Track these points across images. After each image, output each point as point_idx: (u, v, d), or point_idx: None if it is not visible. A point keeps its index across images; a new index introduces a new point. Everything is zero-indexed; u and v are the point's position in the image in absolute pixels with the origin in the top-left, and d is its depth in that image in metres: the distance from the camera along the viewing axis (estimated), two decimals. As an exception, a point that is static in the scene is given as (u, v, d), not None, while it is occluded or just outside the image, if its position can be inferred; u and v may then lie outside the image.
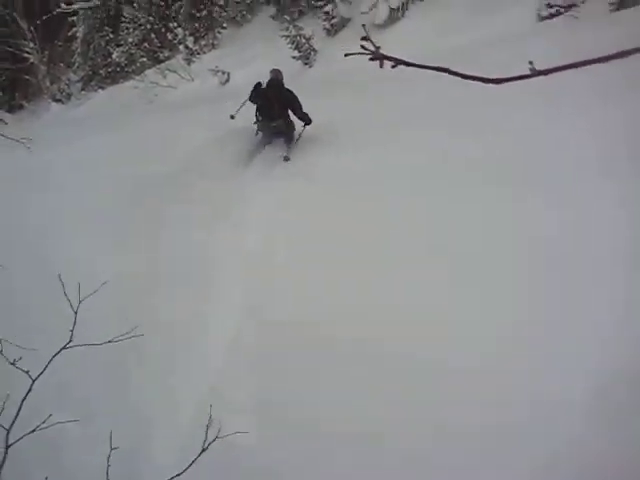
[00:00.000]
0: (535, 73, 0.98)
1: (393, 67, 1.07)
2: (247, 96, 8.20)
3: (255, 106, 8.18)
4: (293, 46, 12.19)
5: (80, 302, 3.56)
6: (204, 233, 6.63)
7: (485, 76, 1.02)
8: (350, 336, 4.58)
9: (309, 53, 12.32)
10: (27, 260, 6.99)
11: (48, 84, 22.81)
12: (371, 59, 1.06)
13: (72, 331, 3.34)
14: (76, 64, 22.59)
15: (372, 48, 1.07)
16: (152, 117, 12.34)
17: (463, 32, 9.74)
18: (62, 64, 24.11)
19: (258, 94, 8.09)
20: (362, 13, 12.37)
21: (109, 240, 6.99)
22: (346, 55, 1.22)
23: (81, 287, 3.63)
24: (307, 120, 7.82)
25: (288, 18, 13.19)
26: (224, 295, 5.79)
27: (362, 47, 1.08)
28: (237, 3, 16.27)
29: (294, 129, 8.12)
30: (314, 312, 5.04)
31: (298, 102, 7.80)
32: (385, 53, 1.03)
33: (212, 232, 6.62)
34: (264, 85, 8.10)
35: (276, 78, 8.14)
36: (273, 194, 7.00)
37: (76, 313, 3.45)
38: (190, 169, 7.88)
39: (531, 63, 0.99)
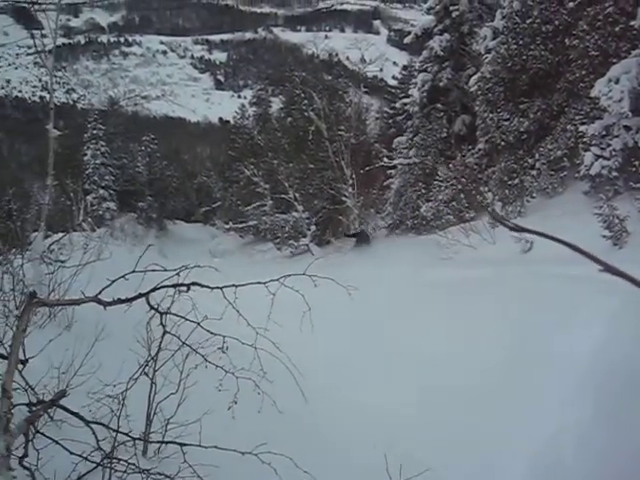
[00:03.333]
0: None
1: None
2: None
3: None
4: (604, 225, 11.92)
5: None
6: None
7: None
8: None
9: (620, 234, 11.90)
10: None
11: (357, 225, 25.38)
12: None
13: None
14: (386, 212, 24.96)
15: None
16: (448, 271, 13.04)
17: None
18: (372, 210, 26.84)
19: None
20: (686, 199, 11.71)
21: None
22: None
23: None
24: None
25: (603, 197, 13.03)
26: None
27: None
28: (550, 176, 16.66)
29: None
30: None
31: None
32: None
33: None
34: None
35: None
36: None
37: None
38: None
39: None
